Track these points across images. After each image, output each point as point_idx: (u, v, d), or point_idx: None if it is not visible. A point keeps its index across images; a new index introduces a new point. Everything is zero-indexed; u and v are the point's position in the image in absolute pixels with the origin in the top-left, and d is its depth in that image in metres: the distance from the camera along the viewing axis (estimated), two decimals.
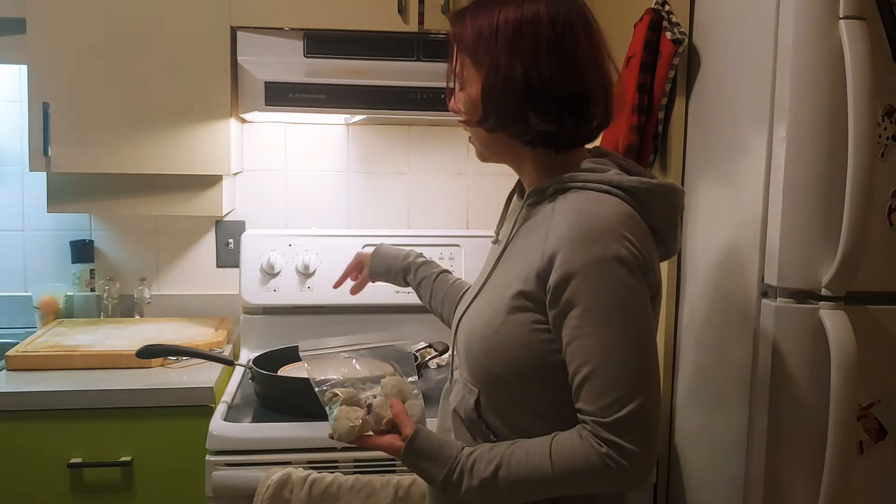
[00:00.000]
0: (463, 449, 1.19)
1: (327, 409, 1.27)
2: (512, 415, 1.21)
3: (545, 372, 1.17)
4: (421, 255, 1.66)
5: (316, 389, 1.29)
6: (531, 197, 1.25)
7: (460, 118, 1.27)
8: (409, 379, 1.32)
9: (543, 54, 1.17)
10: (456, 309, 1.38)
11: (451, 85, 1.28)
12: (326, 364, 1.36)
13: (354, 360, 1.35)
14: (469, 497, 1.17)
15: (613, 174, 1.19)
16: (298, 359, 1.99)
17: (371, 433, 1.25)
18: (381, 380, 1.29)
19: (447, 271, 1.62)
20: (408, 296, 2.28)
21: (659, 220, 1.20)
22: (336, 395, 1.26)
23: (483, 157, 1.32)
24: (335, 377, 1.31)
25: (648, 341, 1.13)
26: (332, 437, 1.25)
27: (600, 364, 1.10)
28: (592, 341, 1.10)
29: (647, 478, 1.14)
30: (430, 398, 1.62)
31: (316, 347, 1.37)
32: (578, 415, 1.13)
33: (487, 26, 1.20)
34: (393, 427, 1.24)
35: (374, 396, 1.26)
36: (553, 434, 1.15)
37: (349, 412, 1.24)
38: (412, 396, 1.29)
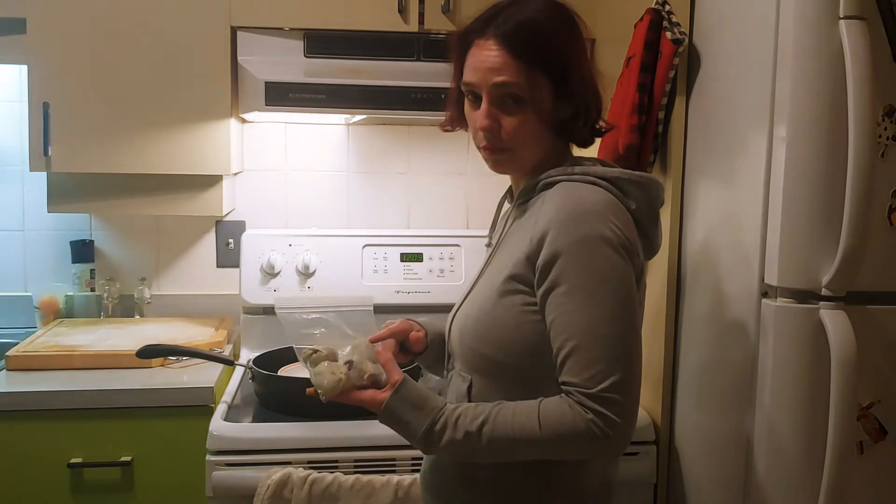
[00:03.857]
0: (447, 403, 1.22)
1: (307, 365, 1.28)
2: (501, 398, 1.23)
3: (535, 353, 1.21)
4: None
5: (295, 347, 1.31)
6: (521, 197, 1.30)
7: (519, 140, 1.25)
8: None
9: (585, 44, 1.28)
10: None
11: (513, 110, 1.23)
12: (303, 323, 1.38)
13: (327, 317, 1.37)
14: (449, 450, 1.20)
15: (598, 167, 1.25)
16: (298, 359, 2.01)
17: (353, 388, 1.26)
18: (353, 341, 1.31)
19: None
20: (408, 296, 2.30)
21: (641, 209, 1.25)
22: (317, 350, 1.28)
23: (500, 168, 1.30)
24: (315, 332, 1.33)
25: (632, 318, 1.18)
26: (311, 393, 1.26)
27: (584, 338, 1.14)
28: (577, 317, 1.14)
29: (625, 448, 1.18)
30: None
31: (292, 306, 1.39)
32: (563, 387, 1.16)
33: (547, 33, 1.22)
34: (373, 383, 1.25)
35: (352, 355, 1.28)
36: (538, 399, 1.18)
37: (333, 367, 1.26)
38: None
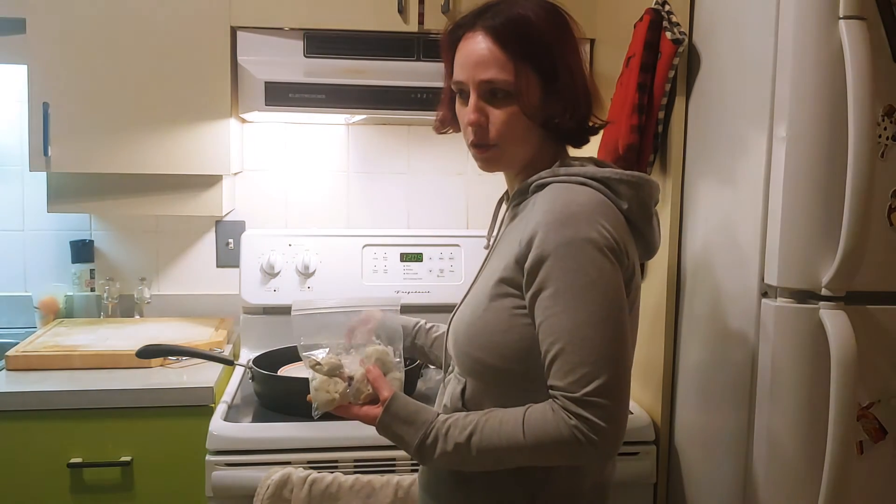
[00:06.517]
0: (438, 415, 1.22)
1: (309, 375, 1.29)
2: (494, 402, 1.23)
3: (526, 357, 1.20)
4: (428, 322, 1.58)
5: (301, 354, 1.31)
6: (515, 198, 1.30)
7: (510, 133, 1.24)
8: (396, 358, 1.34)
9: (577, 43, 1.26)
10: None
11: (501, 102, 1.23)
12: (317, 325, 1.36)
13: (348, 317, 1.37)
14: (442, 461, 1.20)
15: (589, 168, 1.24)
16: (298, 359, 2.01)
17: (348, 405, 1.28)
18: (365, 349, 1.31)
19: None
20: (408, 296, 2.30)
21: (633, 210, 1.24)
22: (318, 364, 1.28)
23: (490, 166, 1.31)
24: (322, 343, 1.32)
25: (619, 321, 1.16)
26: (310, 400, 1.29)
27: (569, 341, 1.13)
28: (563, 319, 1.14)
29: (615, 453, 1.17)
30: (430, 398, 1.62)
31: (309, 308, 1.38)
32: (549, 391, 1.16)
33: (537, 29, 1.22)
34: (371, 401, 1.27)
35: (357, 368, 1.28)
36: (526, 406, 1.18)
37: (329, 384, 1.26)
38: (394, 369, 1.31)
